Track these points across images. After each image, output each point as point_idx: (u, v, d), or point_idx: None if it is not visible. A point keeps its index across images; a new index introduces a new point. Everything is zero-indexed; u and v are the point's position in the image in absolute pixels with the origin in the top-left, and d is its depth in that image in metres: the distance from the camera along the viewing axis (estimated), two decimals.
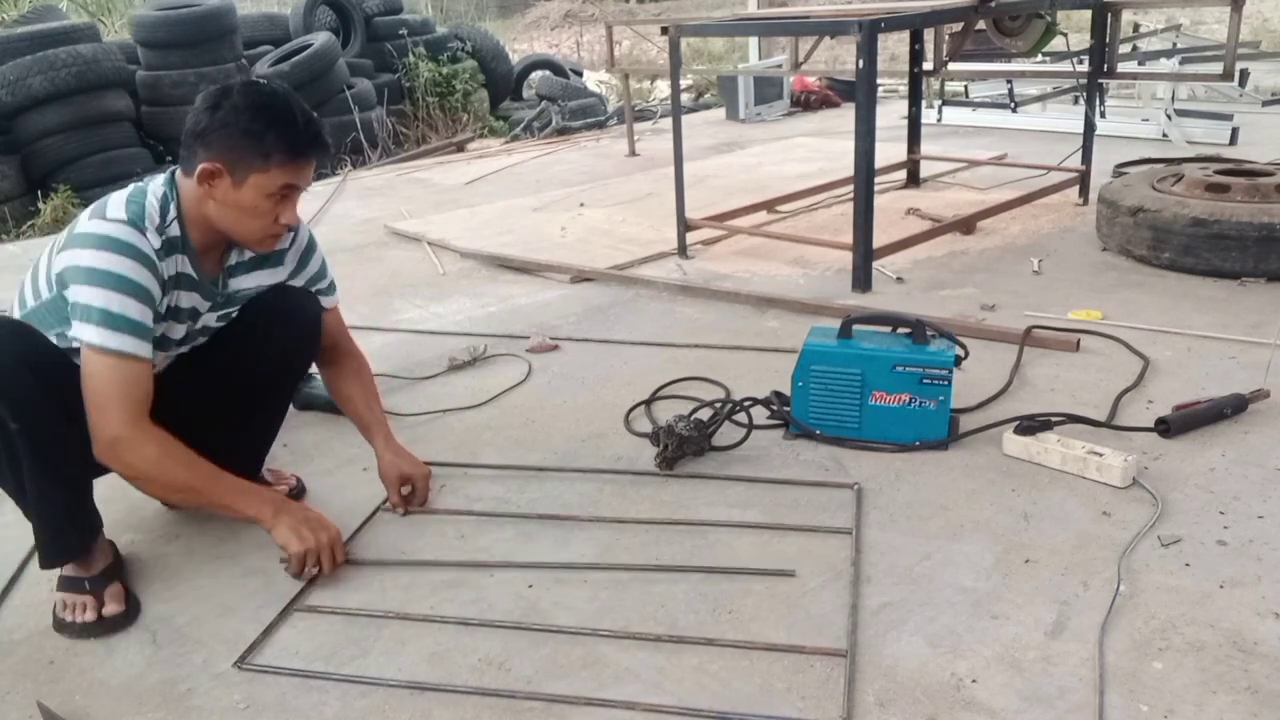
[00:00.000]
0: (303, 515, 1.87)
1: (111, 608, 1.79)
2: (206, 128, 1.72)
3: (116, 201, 1.75)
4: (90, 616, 1.77)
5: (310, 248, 2.06)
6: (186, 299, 1.85)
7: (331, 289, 2.13)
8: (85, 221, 1.73)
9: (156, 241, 1.74)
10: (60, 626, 1.78)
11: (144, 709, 1.56)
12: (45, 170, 6.05)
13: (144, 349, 1.72)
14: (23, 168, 6.05)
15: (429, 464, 2.28)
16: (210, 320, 1.94)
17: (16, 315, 1.78)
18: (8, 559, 2.02)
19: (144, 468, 1.74)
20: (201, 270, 1.84)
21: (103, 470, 1.79)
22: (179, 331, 1.88)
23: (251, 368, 1.99)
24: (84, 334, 1.67)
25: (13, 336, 1.70)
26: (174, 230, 1.78)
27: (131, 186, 1.80)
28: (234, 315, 1.98)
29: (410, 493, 2.11)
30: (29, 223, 5.73)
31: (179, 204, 1.78)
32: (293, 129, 1.74)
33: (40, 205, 5.76)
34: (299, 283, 2.05)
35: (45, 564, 1.83)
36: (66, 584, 1.81)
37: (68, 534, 1.81)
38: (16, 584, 1.95)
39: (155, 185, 1.80)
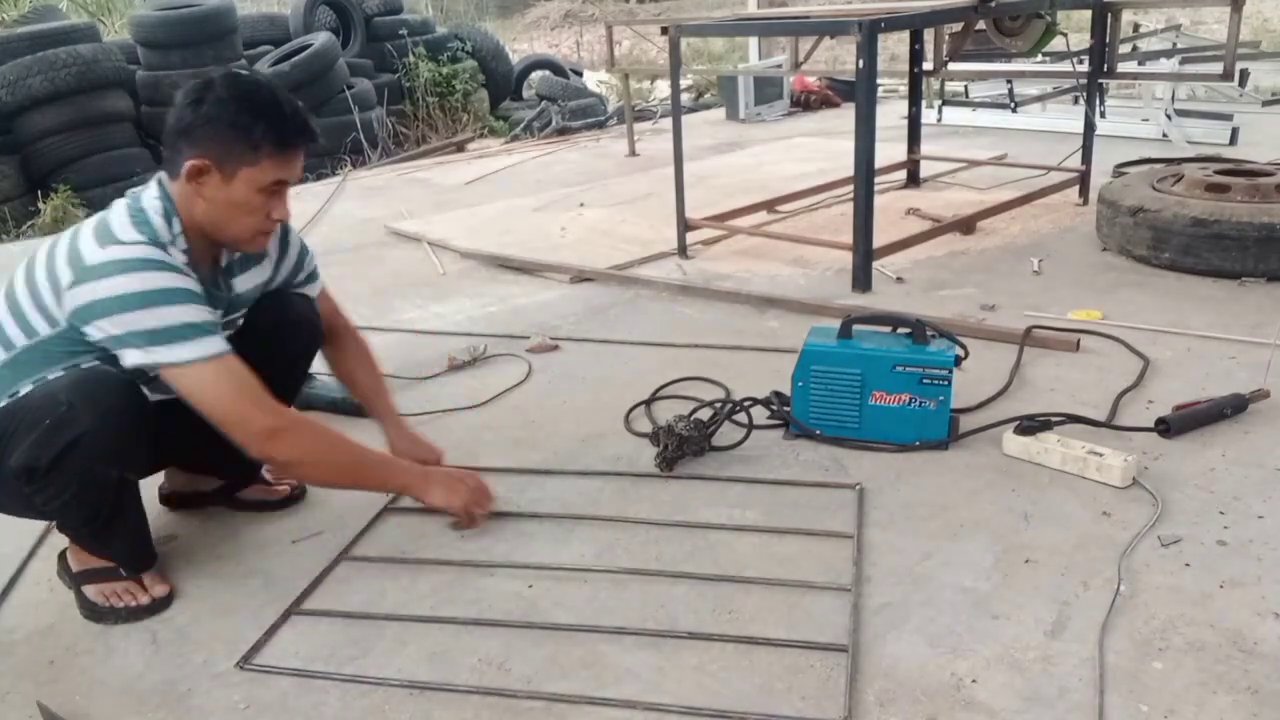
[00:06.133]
0: (443, 474, 2.01)
1: (159, 589, 1.83)
2: (191, 123, 1.67)
3: (122, 224, 1.67)
4: (144, 600, 1.80)
5: (285, 232, 2.01)
6: None
7: (315, 276, 2.11)
8: (96, 251, 1.63)
9: (181, 258, 1.70)
10: (102, 615, 1.79)
11: (144, 709, 1.57)
12: (45, 170, 6.06)
13: (225, 343, 1.69)
14: (23, 168, 6.06)
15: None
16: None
17: (1, 358, 1.69)
18: (8, 559, 2.02)
19: (309, 455, 1.80)
20: (203, 275, 1.79)
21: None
22: None
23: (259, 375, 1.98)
24: (164, 356, 1.63)
25: (122, 397, 1.67)
26: (182, 243, 1.73)
27: (124, 206, 1.72)
28: (239, 323, 1.96)
29: None
30: (29, 223, 5.74)
31: (176, 213, 1.73)
32: (281, 119, 1.69)
33: (40, 205, 5.76)
34: (284, 270, 2.02)
35: (139, 570, 1.84)
36: (99, 575, 1.81)
37: (148, 543, 1.88)
38: (16, 584, 1.95)
39: (150, 200, 1.72)
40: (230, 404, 1.68)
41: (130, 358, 1.63)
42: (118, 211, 1.71)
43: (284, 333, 2.00)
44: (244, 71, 1.76)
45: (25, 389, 1.66)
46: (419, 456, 2.11)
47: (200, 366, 1.65)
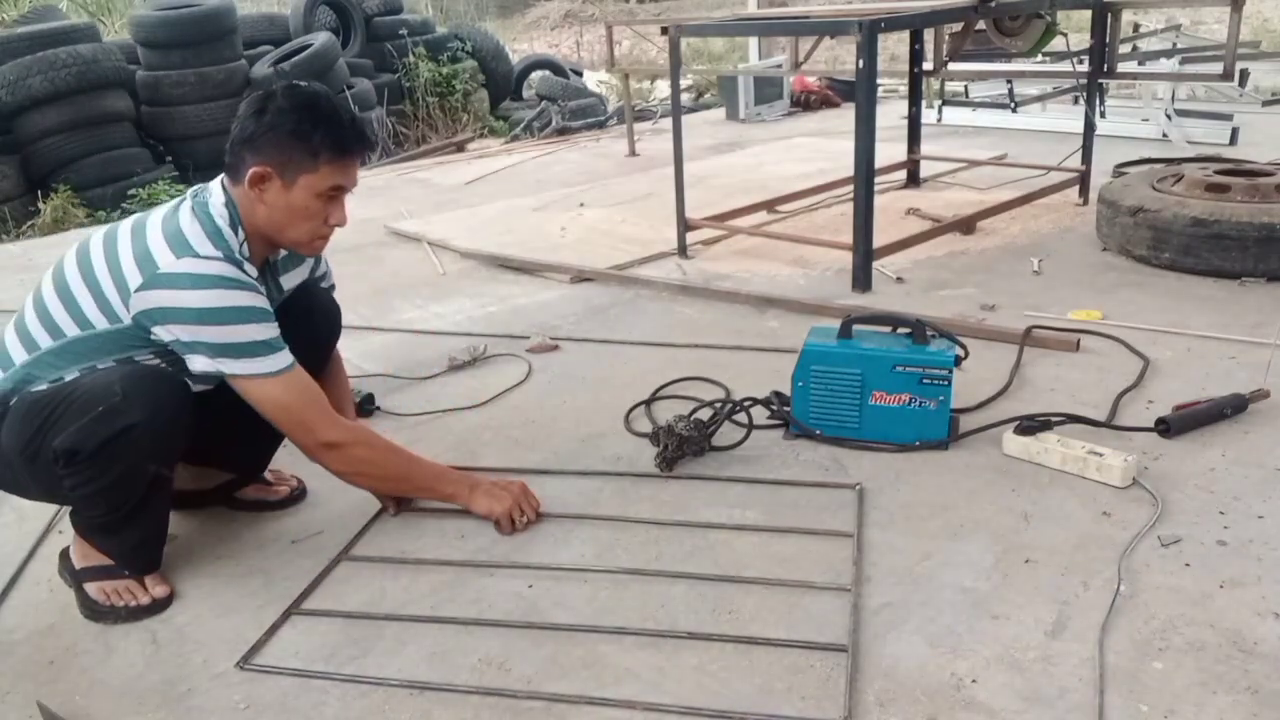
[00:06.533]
0: (488, 484, 2.05)
1: (159, 590, 1.84)
2: (254, 133, 1.75)
3: (196, 235, 1.73)
4: (144, 600, 1.82)
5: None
6: None
7: (330, 275, 2.25)
8: (171, 259, 1.69)
9: (254, 271, 1.79)
10: (102, 614, 1.80)
11: (144, 709, 1.57)
12: (45, 170, 6.05)
13: (290, 356, 1.80)
14: (23, 168, 6.05)
15: None
16: None
17: (48, 344, 1.73)
18: (8, 559, 2.02)
19: (363, 466, 1.93)
20: (258, 275, 1.85)
21: None
22: None
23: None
24: (234, 368, 1.74)
25: (174, 394, 1.73)
26: (245, 250, 1.80)
27: (193, 213, 1.76)
28: None
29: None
30: (29, 223, 5.73)
31: (240, 220, 1.80)
32: (339, 127, 1.78)
33: (40, 205, 5.76)
34: (319, 269, 2.16)
35: (141, 572, 1.85)
36: (100, 573, 1.82)
37: (159, 548, 1.90)
38: (16, 584, 1.95)
39: (218, 207, 1.78)
40: (297, 415, 1.82)
41: (197, 364, 1.73)
42: (188, 219, 1.76)
43: (316, 319, 2.11)
44: (301, 83, 1.83)
45: (71, 376, 1.72)
46: None
47: (270, 380, 1.77)
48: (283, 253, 1.96)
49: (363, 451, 1.92)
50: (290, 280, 2.03)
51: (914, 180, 4.93)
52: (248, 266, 1.78)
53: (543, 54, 10.89)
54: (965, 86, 7.04)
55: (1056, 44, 4.29)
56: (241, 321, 1.72)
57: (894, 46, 8.98)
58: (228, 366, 1.73)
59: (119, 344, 1.73)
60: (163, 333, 1.70)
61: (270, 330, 1.77)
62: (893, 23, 3.32)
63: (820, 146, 6.20)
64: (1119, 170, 4.61)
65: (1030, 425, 2.18)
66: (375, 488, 2.05)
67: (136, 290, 1.68)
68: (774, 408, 2.42)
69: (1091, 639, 1.58)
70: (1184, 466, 2.10)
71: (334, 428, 1.86)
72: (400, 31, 7.91)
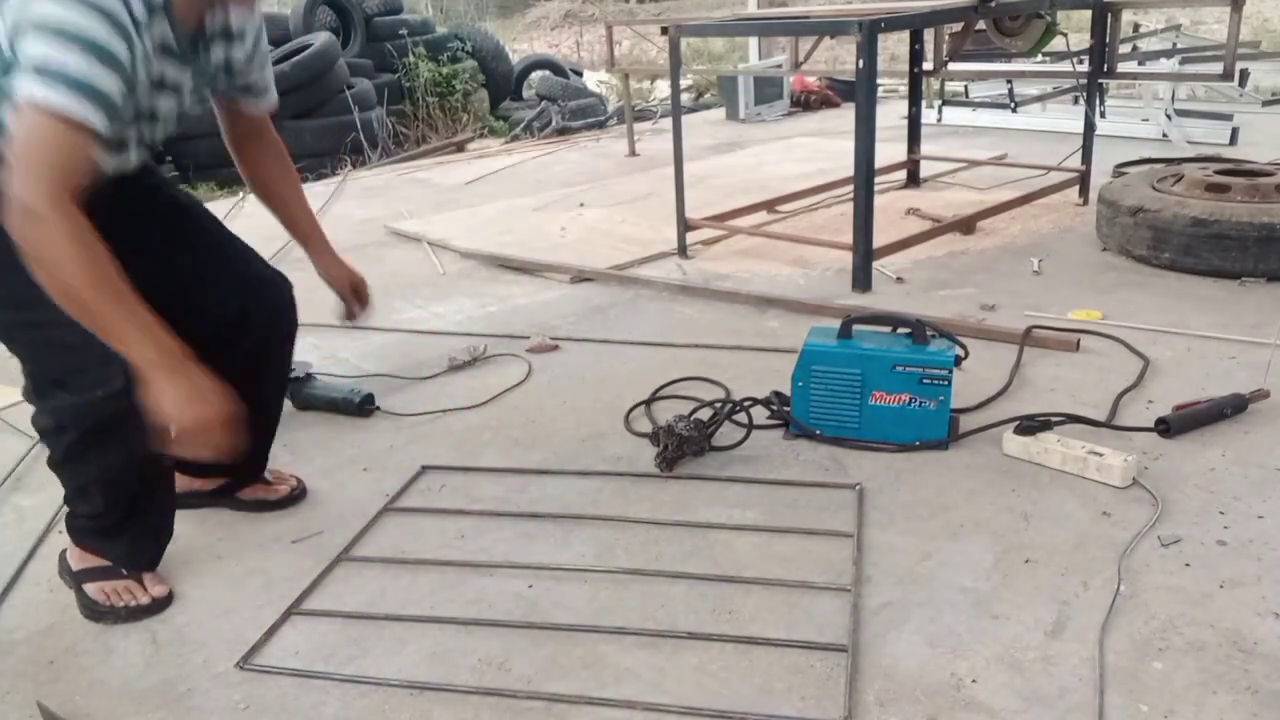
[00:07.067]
0: (192, 380, 1.51)
1: (159, 589, 1.83)
2: None
3: None
4: (144, 600, 1.81)
5: (261, 28, 1.87)
6: (171, 70, 1.65)
7: (270, 87, 1.93)
8: None
9: (141, 11, 1.51)
10: (102, 614, 1.79)
11: (144, 709, 1.57)
12: None
13: (97, 119, 1.44)
14: None
15: (426, 466, 2.29)
16: (188, 99, 1.76)
17: None
18: (8, 559, 2.02)
19: (44, 253, 1.43)
20: (181, 36, 1.64)
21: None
22: (168, 105, 1.71)
23: (235, 361, 1.81)
24: (24, 86, 1.40)
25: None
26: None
27: None
28: (207, 100, 1.85)
29: (359, 303, 2.16)
30: None
31: None
32: None
33: None
34: (256, 59, 1.86)
35: (139, 569, 1.84)
36: (100, 573, 1.82)
37: (160, 547, 1.90)
38: (16, 584, 1.95)
39: None
40: (31, 160, 1.42)
41: (21, 87, 1.42)
42: None
43: (253, 307, 1.96)
44: None
45: None
46: (353, 279, 2.16)
47: (43, 113, 1.40)
48: (221, 23, 1.73)
49: (59, 236, 1.42)
50: (222, 52, 1.77)
51: (914, 180, 4.93)
52: (136, 6, 1.50)
53: (543, 54, 10.90)
54: (965, 86, 7.04)
55: (1056, 44, 4.29)
56: (73, 45, 1.41)
57: (894, 46, 8.98)
58: (33, 87, 1.40)
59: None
60: (19, 54, 1.43)
61: (107, 81, 1.44)
62: (893, 23, 3.32)
63: (820, 146, 6.20)
64: (1119, 170, 4.60)
65: (1030, 425, 2.18)
66: (57, 292, 1.46)
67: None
68: (774, 408, 2.42)
69: (1091, 639, 1.58)
70: (1184, 466, 2.10)
71: (50, 197, 1.41)
72: (400, 31, 7.91)
